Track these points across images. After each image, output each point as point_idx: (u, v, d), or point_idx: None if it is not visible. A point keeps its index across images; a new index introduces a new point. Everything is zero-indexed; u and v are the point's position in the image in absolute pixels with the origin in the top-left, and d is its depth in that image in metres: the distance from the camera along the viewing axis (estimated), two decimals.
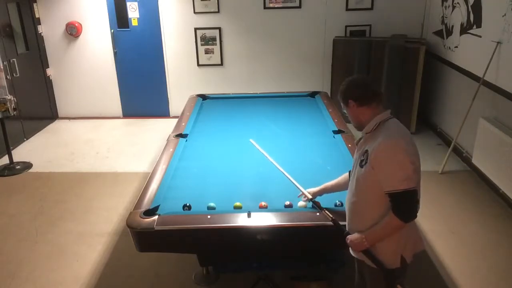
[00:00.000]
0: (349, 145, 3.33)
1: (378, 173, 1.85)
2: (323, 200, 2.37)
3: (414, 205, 1.98)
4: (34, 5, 6.04)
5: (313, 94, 4.85)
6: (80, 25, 6.13)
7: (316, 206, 2.32)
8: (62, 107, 6.61)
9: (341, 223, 2.13)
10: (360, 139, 2.02)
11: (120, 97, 6.51)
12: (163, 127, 5.98)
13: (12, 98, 4.75)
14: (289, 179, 2.47)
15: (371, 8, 5.93)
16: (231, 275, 2.99)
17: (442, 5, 5.36)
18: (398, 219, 1.87)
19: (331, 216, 2.18)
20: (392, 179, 1.84)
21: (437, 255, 3.24)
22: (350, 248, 2.03)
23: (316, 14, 5.99)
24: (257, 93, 5.14)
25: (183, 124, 3.97)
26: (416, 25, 5.96)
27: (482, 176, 4.24)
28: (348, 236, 2.00)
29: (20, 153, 5.30)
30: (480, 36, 4.34)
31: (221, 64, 6.29)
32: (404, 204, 1.91)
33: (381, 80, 5.50)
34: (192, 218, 2.42)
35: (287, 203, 2.53)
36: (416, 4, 5.89)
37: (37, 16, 6.11)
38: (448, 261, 3.18)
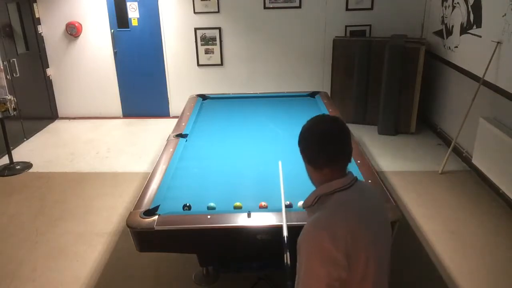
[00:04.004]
0: None
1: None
2: None
3: None
4: (34, 5, 6.04)
5: (313, 94, 4.84)
6: (80, 25, 6.13)
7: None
8: (62, 107, 6.61)
9: None
10: None
11: (120, 97, 6.50)
12: (163, 127, 5.97)
13: (12, 98, 4.75)
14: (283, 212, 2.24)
15: (371, 8, 5.93)
16: (231, 275, 2.98)
17: (442, 5, 5.36)
18: None
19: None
20: (297, 279, 1.40)
21: (437, 255, 3.25)
22: None
23: (316, 14, 5.99)
24: (257, 93, 5.14)
25: (183, 124, 3.97)
26: (416, 25, 5.96)
27: (482, 176, 4.24)
28: None
29: (20, 153, 5.30)
30: (480, 36, 4.34)
31: (221, 64, 6.29)
32: None
33: (381, 80, 5.50)
34: (192, 218, 2.42)
35: (287, 203, 2.53)
36: (416, 4, 5.89)
37: (37, 16, 6.11)
38: (448, 261, 3.18)
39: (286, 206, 2.52)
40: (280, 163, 2.55)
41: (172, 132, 3.76)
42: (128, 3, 6.03)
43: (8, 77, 5.29)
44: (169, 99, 6.50)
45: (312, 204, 1.48)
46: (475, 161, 4.23)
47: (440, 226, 3.61)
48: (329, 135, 1.47)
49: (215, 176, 3.03)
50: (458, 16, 4.85)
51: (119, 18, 6.11)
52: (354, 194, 1.46)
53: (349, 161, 1.51)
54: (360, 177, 2.82)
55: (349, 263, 1.33)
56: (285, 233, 2.09)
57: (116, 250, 3.41)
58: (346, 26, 6.00)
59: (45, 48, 6.29)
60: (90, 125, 6.31)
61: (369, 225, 1.42)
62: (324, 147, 1.46)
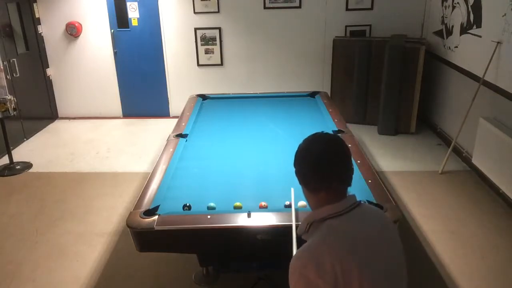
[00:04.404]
0: (349, 145, 3.31)
1: None
2: None
3: None
4: (34, 5, 6.04)
5: (313, 94, 4.84)
6: (80, 25, 6.13)
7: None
8: (62, 107, 6.61)
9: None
10: None
11: (120, 97, 6.50)
12: (163, 127, 5.97)
13: (12, 98, 4.75)
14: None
15: (371, 8, 5.93)
16: (231, 275, 2.98)
17: (442, 5, 5.36)
18: None
19: None
20: None
21: (437, 255, 3.24)
22: None
23: (316, 14, 5.99)
24: (257, 93, 5.14)
25: (183, 124, 3.97)
26: (416, 25, 5.96)
27: (482, 176, 4.24)
28: None
29: (20, 153, 5.30)
30: (480, 36, 4.34)
31: (221, 64, 6.29)
32: None
33: (381, 80, 5.50)
34: (192, 218, 2.42)
35: (287, 203, 2.53)
36: (416, 4, 5.89)
37: (37, 16, 6.11)
38: (448, 261, 3.18)
39: (286, 206, 2.52)
40: (292, 190, 2.41)
41: (172, 132, 3.76)
42: (128, 3, 6.03)
43: (8, 77, 5.29)
44: (169, 99, 6.49)
45: (306, 231, 1.40)
46: (475, 161, 4.23)
47: (440, 226, 3.61)
48: (325, 157, 1.37)
49: (215, 176, 3.03)
50: (458, 16, 4.85)
51: (119, 18, 6.11)
52: (349, 221, 1.35)
53: (349, 185, 1.40)
54: (360, 177, 2.82)
55: None
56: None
57: (116, 250, 3.41)
58: (346, 26, 6.00)
59: (45, 48, 6.29)
60: (90, 125, 6.31)
61: (365, 254, 1.30)
62: (319, 169, 1.36)
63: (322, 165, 1.36)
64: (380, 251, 1.35)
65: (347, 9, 5.95)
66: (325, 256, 1.27)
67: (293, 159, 1.45)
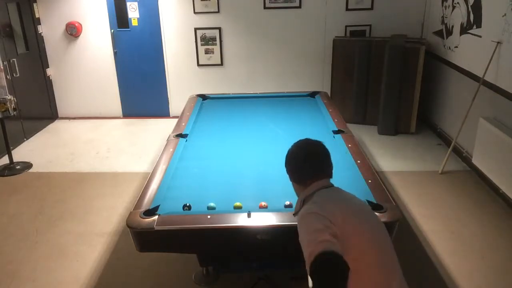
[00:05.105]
0: (349, 145, 3.33)
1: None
2: None
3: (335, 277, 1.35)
4: (34, 5, 6.04)
5: (313, 94, 4.85)
6: (80, 25, 6.13)
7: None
8: (62, 107, 6.61)
9: None
10: None
11: (120, 97, 6.51)
12: (163, 127, 5.98)
13: (12, 98, 4.75)
14: None
15: (371, 8, 5.93)
16: (231, 275, 2.98)
17: (442, 5, 5.36)
18: None
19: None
20: (304, 251, 1.47)
21: (437, 255, 3.24)
22: None
23: (316, 14, 5.99)
24: (257, 93, 5.15)
25: (183, 124, 3.97)
26: (416, 25, 5.96)
27: (482, 176, 4.24)
28: None
29: (20, 153, 5.30)
30: (480, 36, 4.34)
31: (221, 64, 6.29)
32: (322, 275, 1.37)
33: (381, 80, 5.50)
34: (192, 218, 2.42)
35: (287, 203, 2.53)
36: (416, 4, 5.89)
37: (37, 16, 6.11)
38: (448, 261, 3.18)
39: (286, 206, 2.52)
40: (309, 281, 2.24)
41: (172, 132, 3.76)
42: (128, 3, 6.03)
43: (8, 77, 5.29)
44: (169, 99, 6.49)
45: (300, 208, 1.71)
46: (475, 161, 4.23)
47: (440, 226, 3.61)
48: (312, 154, 1.79)
49: (215, 176, 3.03)
50: (458, 16, 4.85)
51: (119, 18, 6.11)
52: (334, 191, 1.75)
53: (330, 177, 1.80)
54: (360, 177, 2.83)
55: (341, 234, 1.49)
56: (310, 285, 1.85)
57: (116, 250, 3.41)
58: (346, 26, 6.00)
59: (45, 48, 6.29)
60: (90, 125, 6.31)
61: (354, 206, 1.68)
62: (308, 164, 1.77)
63: (310, 160, 1.78)
64: (364, 210, 1.72)
65: (347, 9, 5.96)
66: (325, 205, 1.61)
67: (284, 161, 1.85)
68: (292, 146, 1.85)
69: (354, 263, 1.41)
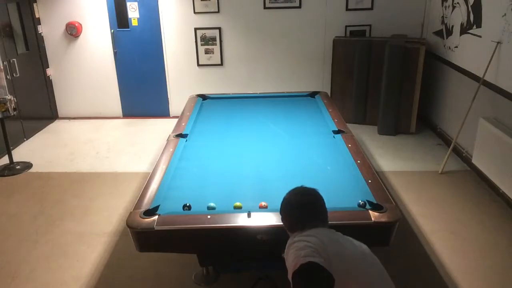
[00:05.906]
0: (349, 145, 3.33)
1: None
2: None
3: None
4: (34, 5, 6.04)
5: (313, 94, 4.85)
6: (80, 25, 6.13)
7: None
8: (62, 107, 6.61)
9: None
10: None
11: (120, 97, 6.50)
12: (163, 127, 5.98)
13: (12, 98, 4.75)
14: None
15: (371, 8, 5.93)
16: (231, 275, 2.99)
17: (442, 5, 5.36)
18: None
19: None
20: (289, 270, 1.55)
21: (436, 255, 3.24)
22: None
23: (316, 14, 5.99)
24: (257, 93, 5.14)
25: (183, 124, 3.97)
26: (416, 25, 5.96)
27: (482, 176, 4.24)
28: None
29: (20, 153, 5.30)
30: (480, 36, 4.34)
31: (221, 64, 6.29)
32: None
33: (381, 80, 5.50)
34: (192, 218, 2.42)
35: None
36: (416, 4, 5.89)
37: (37, 16, 6.11)
38: (448, 261, 3.18)
39: None
40: None
41: (172, 132, 3.76)
42: (128, 3, 6.03)
43: (8, 77, 5.29)
44: (169, 99, 6.49)
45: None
46: (475, 161, 4.23)
47: (440, 226, 3.61)
48: (306, 205, 1.80)
49: (215, 176, 3.03)
50: (458, 16, 4.86)
51: (119, 18, 6.11)
52: (330, 231, 1.74)
53: (326, 224, 1.81)
54: (360, 177, 2.83)
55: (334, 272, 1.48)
56: None
57: (116, 250, 3.41)
58: (346, 26, 6.00)
59: (45, 48, 6.29)
60: (90, 125, 6.31)
61: (341, 243, 1.67)
62: (301, 213, 1.77)
63: (304, 210, 1.79)
64: (346, 241, 1.74)
65: (347, 9, 5.96)
66: (310, 238, 1.63)
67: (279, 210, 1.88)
68: (287, 194, 1.87)
69: None
